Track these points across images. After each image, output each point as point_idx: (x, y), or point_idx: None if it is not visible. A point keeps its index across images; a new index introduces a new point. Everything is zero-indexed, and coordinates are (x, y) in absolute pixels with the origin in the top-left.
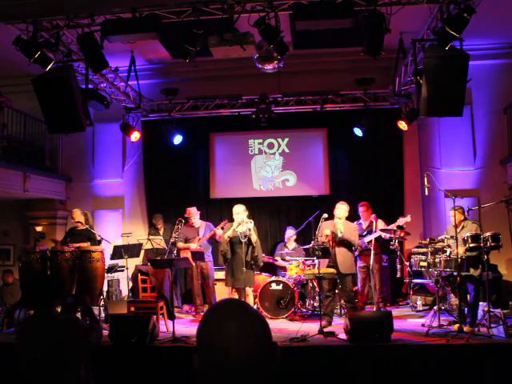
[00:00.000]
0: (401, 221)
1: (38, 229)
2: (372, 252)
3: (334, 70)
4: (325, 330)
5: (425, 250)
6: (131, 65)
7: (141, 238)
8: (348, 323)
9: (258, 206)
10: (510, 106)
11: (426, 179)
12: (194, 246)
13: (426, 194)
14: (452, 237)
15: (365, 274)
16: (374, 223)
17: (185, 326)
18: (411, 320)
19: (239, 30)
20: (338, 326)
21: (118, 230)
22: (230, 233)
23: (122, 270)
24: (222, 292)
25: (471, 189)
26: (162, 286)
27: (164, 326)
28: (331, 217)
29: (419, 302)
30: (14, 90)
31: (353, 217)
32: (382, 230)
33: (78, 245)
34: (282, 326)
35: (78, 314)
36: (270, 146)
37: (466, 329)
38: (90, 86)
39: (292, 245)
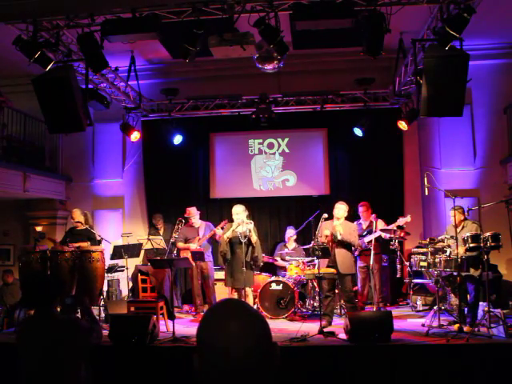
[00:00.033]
0: (401, 221)
1: (38, 229)
2: (372, 252)
3: (334, 69)
4: (325, 330)
5: (425, 250)
6: (131, 65)
7: (141, 237)
8: (348, 323)
9: (257, 206)
10: (510, 105)
11: (425, 179)
12: (193, 246)
13: (426, 193)
14: (452, 237)
15: (365, 274)
16: (374, 223)
17: (185, 325)
18: (411, 320)
19: (239, 29)
20: (338, 325)
21: (118, 230)
22: (230, 234)
23: (122, 270)
24: (221, 292)
25: (471, 189)
26: (162, 285)
27: (164, 326)
28: (331, 217)
29: (419, 302)
30: (14, 90)
31: (353, 217)
32: (381, 230)
33: (77, 245)
34: (282, 326)
35: (78, 315)
36: (270, 146)
37: (466, 329)
38: (90, 86)
39: (292, 245)
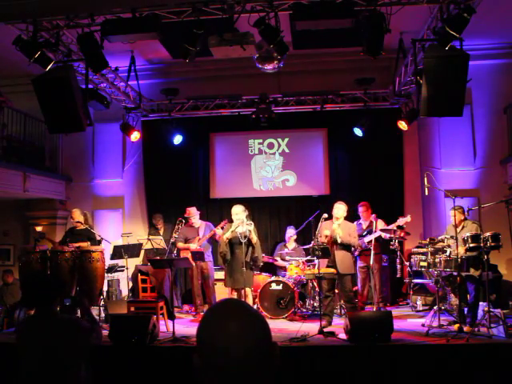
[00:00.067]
0: (401, 221)
1: (38, 229)
2: (372, 252)
3: (334, 69)
4: (325, 330)
5: (425, 250)
6: (131, 65)
7: (141, 238)
8: (348, 323)
9: (258, 206)
10: (510, 105)
11: (426, 179)
12: (193, 246)
13: (426, 193)
14: (452, 237)
15: (365, 274)
16: (373, 223)
17: (185, 325)
18: (411, 320)
19: (239, 29)
20: (338, 325)
21: (118, 230)
22: (229, 234)
23: (122, 270)
24: (221, 292)
25: (471, 189)
26: (162, 285)
27: (164, 326)
28: (331, 217)
29: (419, 302)
30: (14, 90)
31: (353, 217)
32: (381, 230)
33: (77, 245)
34: (282, 326)
35: (78, 315)
36: (270, 146)
37: (466, 329)
38: (90, 86)
39: (292, 245)
